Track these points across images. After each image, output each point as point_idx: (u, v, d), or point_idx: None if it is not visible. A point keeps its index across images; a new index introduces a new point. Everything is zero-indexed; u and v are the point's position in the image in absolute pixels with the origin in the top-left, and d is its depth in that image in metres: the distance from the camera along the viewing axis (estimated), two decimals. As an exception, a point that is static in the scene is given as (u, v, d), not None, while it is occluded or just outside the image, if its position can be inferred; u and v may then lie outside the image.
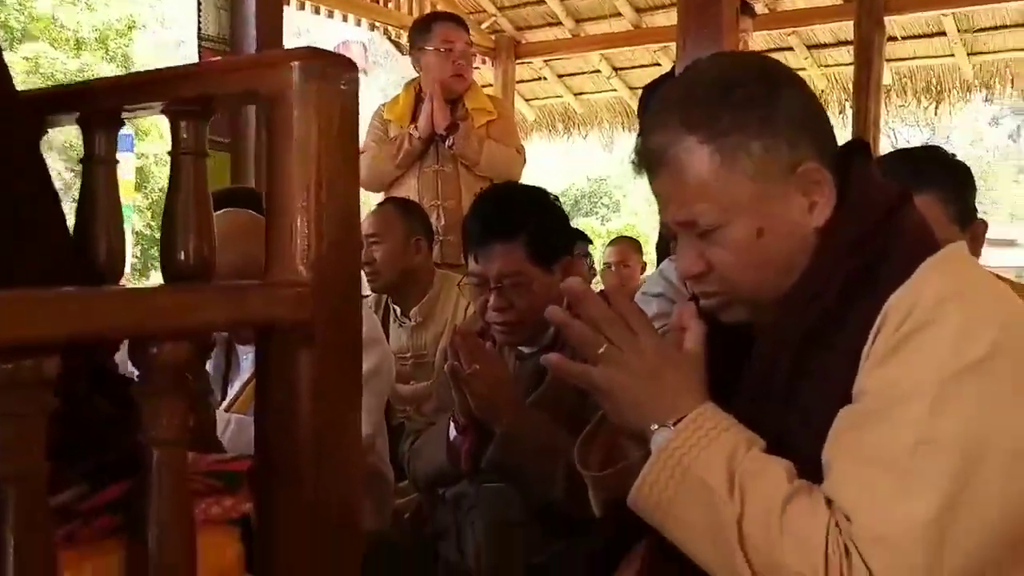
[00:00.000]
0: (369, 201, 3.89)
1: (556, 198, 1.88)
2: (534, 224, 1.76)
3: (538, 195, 1.87)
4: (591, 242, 4.16)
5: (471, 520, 1.81)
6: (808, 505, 0.91)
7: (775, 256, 1.03)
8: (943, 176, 1.60)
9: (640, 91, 3.65)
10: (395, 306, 2.92)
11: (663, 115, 1.06)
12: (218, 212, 1.15)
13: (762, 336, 1.06)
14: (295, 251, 0.83)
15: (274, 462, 0.85)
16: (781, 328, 1.03)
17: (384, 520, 2.14)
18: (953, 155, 1.69)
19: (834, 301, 1.00)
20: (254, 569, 0.85)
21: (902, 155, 1.71)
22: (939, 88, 4.69)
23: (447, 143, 3.38)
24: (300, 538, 0.83)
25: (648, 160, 1.08)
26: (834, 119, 5.09)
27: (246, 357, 1.95)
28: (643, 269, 4.43)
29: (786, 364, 1.02)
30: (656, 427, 1.00)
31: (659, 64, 5.28)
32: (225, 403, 1.89)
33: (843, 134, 4.38)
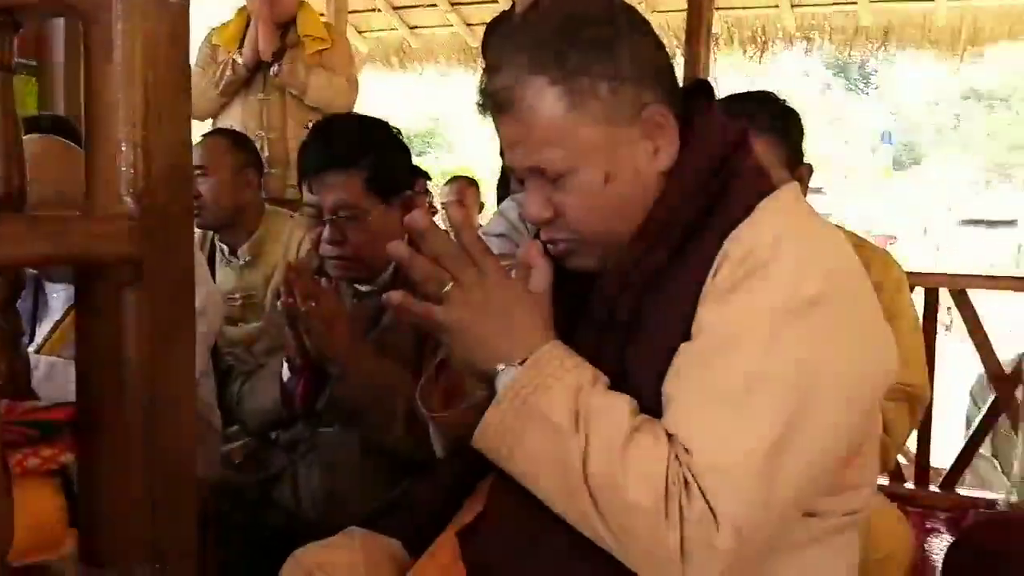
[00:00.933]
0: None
1: (398, 131, 1.83)
2: (373, 154, 1.71)
3: (379, 126, 1.81)
4: (430, 179, 4.11)
5: (307, 464, 1.77)
6: (650, 439, 0.93)
7: (622, 201, 1.04)
8: (775, 120, 1.67)
9: (478, 27, 3.61)
10: (222, 244, 2.79)
11: (508, 55, 1.04)
12: (26, 138, 1.04)
13: (606, 274, 1.07)
14: (120, 181, 0.76)
15: (99, 409, 0.78)
16: (625, 266, 1.04)
17: (211, 467, 2.07)
18: (784, 100, 1.76)
19: (677, 240, 1.02)
20: (79, 523, 0.80)
21: (737, 99, 1.76)
22: (764, 38, 4.89)
23: (272, 70, 3.23)
24: (128, 490, 0.77)
25: (493, 101, 1.05)
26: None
27: (56, 295, 1.81)
28: (481, 209, 4.43)
29: (629, 302, 1.03)
30: (502, 366, 1.00)
31: (497, 0, 5.23)
32: (34, 345, 1.75)
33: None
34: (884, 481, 2.91)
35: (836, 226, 1.83)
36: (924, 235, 25.30)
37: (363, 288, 1.82)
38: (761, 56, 4.89)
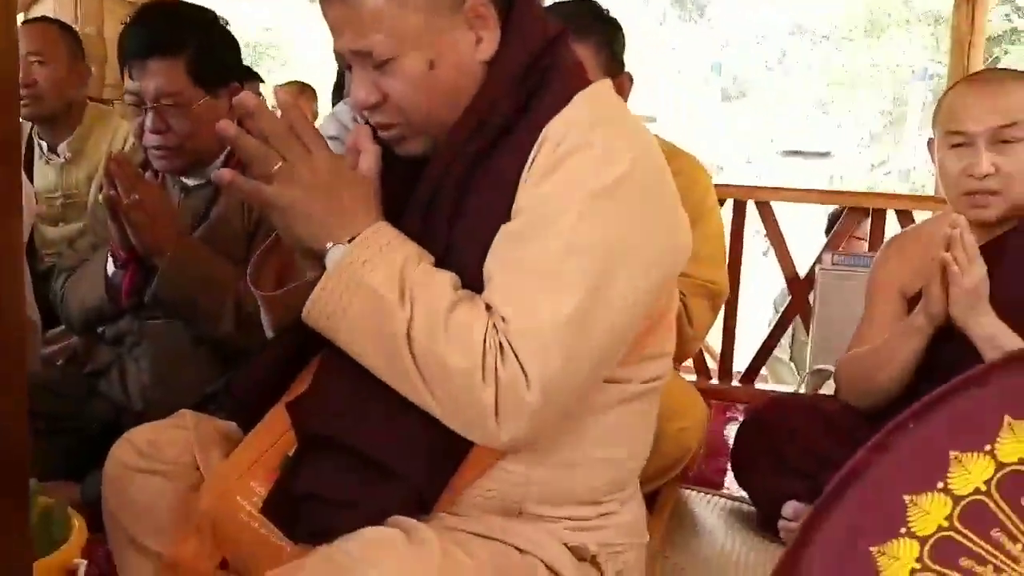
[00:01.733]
0: None
1: (226, 21, 1.79)
2: (197, 41, 1.67)
3: (203, 12, 1.77)
4: (263, 81, 3.99)
5: (135, 356, 1.76)
6: (470, 310, 1.00)
7: (446, 88, 1.09)
8: (595, 27, 1.74)
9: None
10: (41, 140, 2.64)
11: None
12: None
13: (432, 158, 1.12)
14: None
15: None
16: (450, 151, 1.10)
17: (32, 364, 2.01)
18: (606, 9, 1.83)
19: (498, 128, 1.08)
20: None
21: (557, 6, 1.83)
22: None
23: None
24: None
25: None
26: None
27: None
28: (315, 118, 4.35)
29: (453, 186, 1.09)
30: (331, 244, 1.04)
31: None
32: None
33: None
34: (692, 377, 3.15)
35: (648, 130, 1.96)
36: (748, 164, 26.60)
37: (190, 182, 1.80)
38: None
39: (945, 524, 0.48)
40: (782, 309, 3.26)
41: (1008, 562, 0.43)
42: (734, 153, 28.90)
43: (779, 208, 3.14)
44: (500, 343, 0.97)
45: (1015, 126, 1.59)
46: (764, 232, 3.17)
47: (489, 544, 1.06)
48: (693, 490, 2.13)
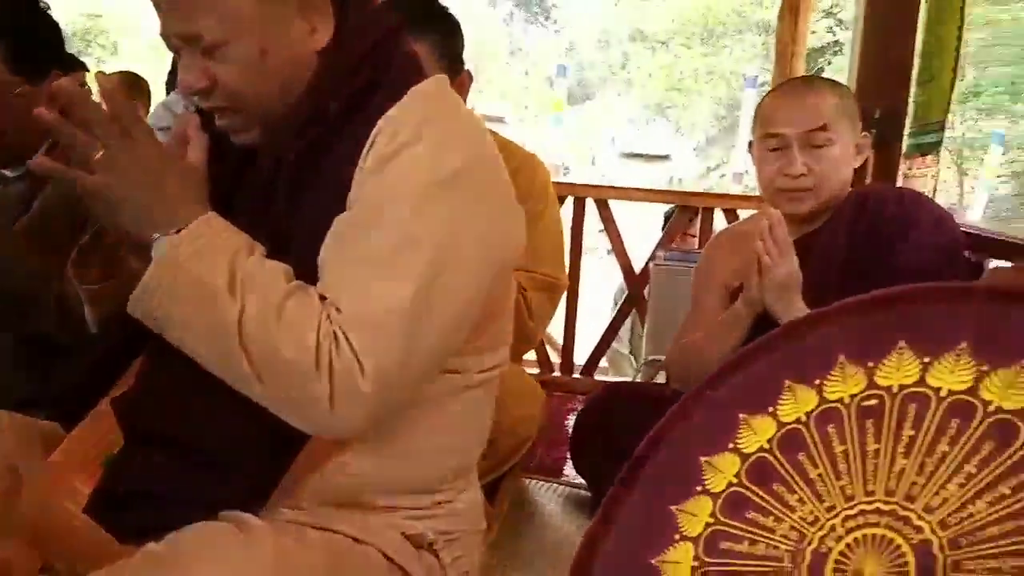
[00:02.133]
0: None
1: (47, 6, 1.70)
2: (15, 26, 1.59)
3: None
4: (88, 70, 3.76)
5: (-55, 358, 1.65)
6: (303, 300, 0.99)
7: (277, 76, 1.07)
8: (433, 24, 1.75)
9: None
10: None
11: None
12: None
13: (265, 149, 1.11)
14: None
15: None
16: (283, 141, 1.09)
17: None
18: (445, 7, 1.84)
19: (333, 119, 1.08)
20: None
21: (396, 1, 1.83)
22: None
23: None
24: None
25: None
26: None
27: None
28: (146, 111, 4.16)
29: (288, 175, 1.08)
30: (157, 235, 1.01)
31: None
32: None
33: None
34: (535, 370, 3.22)
35: (493, 131, 1.99)
36: (592, 165, 27.30)
37: (9, 173, 1.71)
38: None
39: (735, 480, 0.52)
40: (620, 303, 3.39)
41: (785, 511, 0.48)
42: (580, 154, 29.58)
43: (621, 207, 3.26)
44: (334, 333, 0.96)
45: (825, 129, 1.71)
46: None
47: (325, 535, 1.06)
48: (533, 479, 2.18)
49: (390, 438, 1.11)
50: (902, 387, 0.49)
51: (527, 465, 2.08)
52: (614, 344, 3.67)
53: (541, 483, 2.17)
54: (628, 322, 3.44)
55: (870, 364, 0.51)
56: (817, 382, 0.53)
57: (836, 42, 22.34)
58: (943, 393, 0.47)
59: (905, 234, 1.69)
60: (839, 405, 0.51)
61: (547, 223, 1.96)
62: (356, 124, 1.07)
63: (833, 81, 1.83)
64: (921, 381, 0.48)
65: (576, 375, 3.31)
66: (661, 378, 2.57)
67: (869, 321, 0.54)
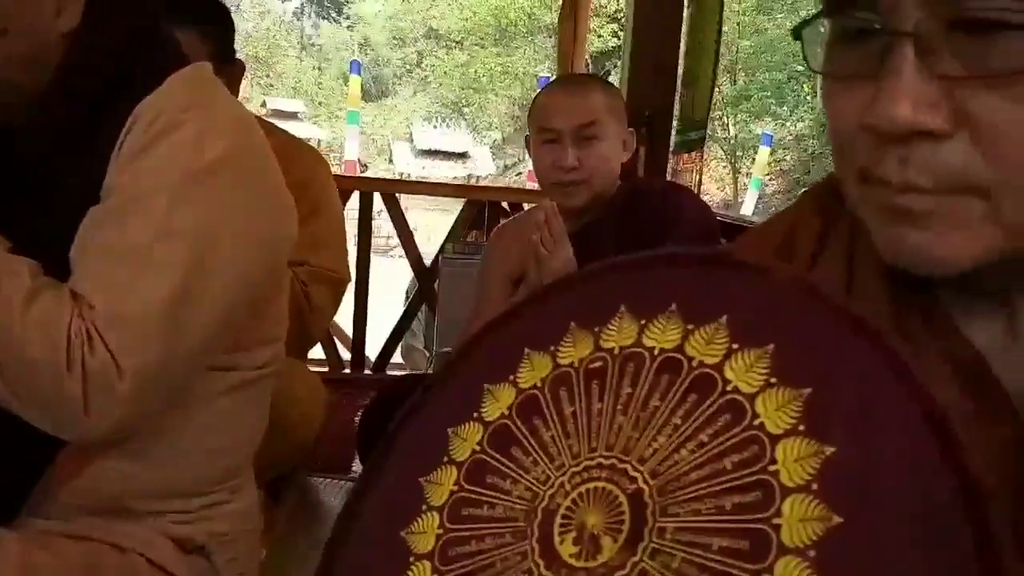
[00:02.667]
0: None
1: None
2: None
3: None
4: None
5: None
6: (53, 298, 0.93)
7: (19, 56, 1.00)
8: (200, 13, 1.69)
9: None
10: None
11: None
12: None
13: (15, 137, 1.03)
14: None
15: None
16: (34, 129, 1.02)
17: None
18: (211, -2, 1.78)
19: (88, 105, 1.02)
20: None
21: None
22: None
23: None
24: None
25: None
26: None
27: None
28: None
29: (40, 165, 1.01)
30: None
31: None
32: None
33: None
34: (324, 369, 3.17)
35: (273, 127, 1.95)
36: (390, 163, 27.18)
37: None
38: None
39: (477, 448, 0.54)
40: (411, 297, 3.40)
41: (521, 472, 0.50)
42: (377, 152, 29.40)
43: (421, 205, 3.27)
44: (87, 331, 0.92)
45: (595, 124, 1.80)
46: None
47: (82, 545, 1.01)
48: (320, 477, 2.16)
49: (155, 441, 1.06)
50: (622, 348, 0.51)
51: (313, 463, 2.05)
52: (409, 339, 3.68)
53: (327, 481, 2.15)
54: (422, 316, 3.47)
55: (596, 329, 0.53)
56: (552, 348, 0.55)
57: (621, 47, 23.43)
58: (656, 352, 0.50)
59: (669, 225, 1.80)
60: (570, 369, 0.53)
61: (327, 216, 1.94)
62: (114, 113, 1.02)
63: (601, 80, 1.93)
64: (638, 342, 0.51)
65: (367, 371, 3.29)
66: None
67: (596, 289, 0.57)
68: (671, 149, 2.71)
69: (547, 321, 0.58)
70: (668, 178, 2.71)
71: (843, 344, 0.46)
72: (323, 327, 1.96)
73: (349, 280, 1.99)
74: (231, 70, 1.76)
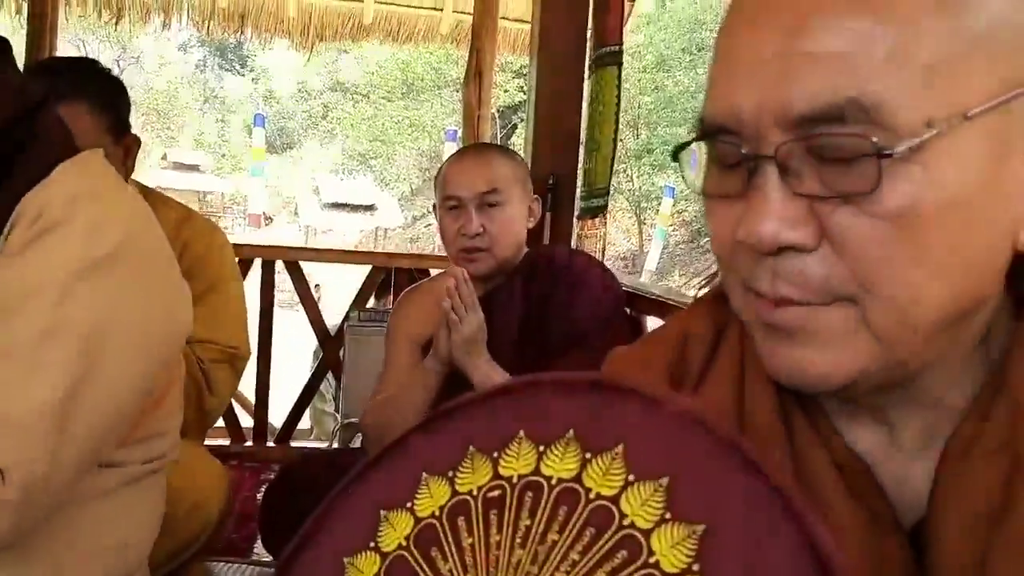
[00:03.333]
0: None
1: None
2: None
3: None
4: None
5: None
6: None
7: None
8: (94, 86, 1.64)
9: None
10: None
11: None
12: None
13: None
14: None
15: None
16: None
17: None
18: (108, 69, 1.74)
19: None
20: None
21: (52, 62, 1.71)
22: (119, 4, 4.69)
23: None
24: None
25: None
26: (9, 19, 4.71)
27: None
28: None
29: None
30: None
31: None
32: None
33: (19, 37, 4.10)
34: (226, 441, 3.08)
35: (168, 200, 1.91)
36: (295, 216, 26.88)
37: None
38: (116, 23, 4.70)
39: (373, 580, 0.53)
40: (316, 365, 3.34)
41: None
42: (283, 204, 29.06)
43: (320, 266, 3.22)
44: None
45: (497, 192, 1.82)
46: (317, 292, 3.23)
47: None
48: (220, 561, 2.08)
49: (44, 544, 1.01)
50: (521, 476, 0.50)
51: (214, 546, 1.97)
52: (318, 403, 3.61)
53: (228, 565, 2.07)
54: (332, 379, 3.40)
55: (495, 454, 0.52)
56: (450, 474, 0.54)
57: (526, 101, 23.86)
58: (554, 482, 0.49)
59: (574, 294, 1.82)
60: (468, 497, 0.52)
61: (226, 291, 1.89)
62: None
63: (504, 148, 1.96)
64: (537, 470, 0.50)
65: (271, 443, 3.20)
66: (360, 440, 2.56)
67: (493, 412, 0.55)
68: (576, 215, 2.75)
69: (445, 444, 0.56)
70: (573, 243, 2.74)
71: (733, 479, 0.47)
72: (223, 406, 1.90)
73: (250, 355, 1.94)
74: (126, 143, 1.72)
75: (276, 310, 3.12)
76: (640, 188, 22.17)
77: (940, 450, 0.59)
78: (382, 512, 0.56)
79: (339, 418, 3.57)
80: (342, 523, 0.58)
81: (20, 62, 1.10)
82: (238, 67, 33.73)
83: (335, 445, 2.74)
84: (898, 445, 0.61)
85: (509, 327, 1.83)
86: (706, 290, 0.76)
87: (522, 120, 25.00)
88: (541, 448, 0.53)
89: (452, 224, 1.85)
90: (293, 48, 5.15)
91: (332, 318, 3.29)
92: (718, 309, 0.70)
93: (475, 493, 0.54)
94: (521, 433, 0.54)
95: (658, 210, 18.36)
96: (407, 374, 1.87)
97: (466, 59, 4.43)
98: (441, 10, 4.87)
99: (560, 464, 0.51)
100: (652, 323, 2.08)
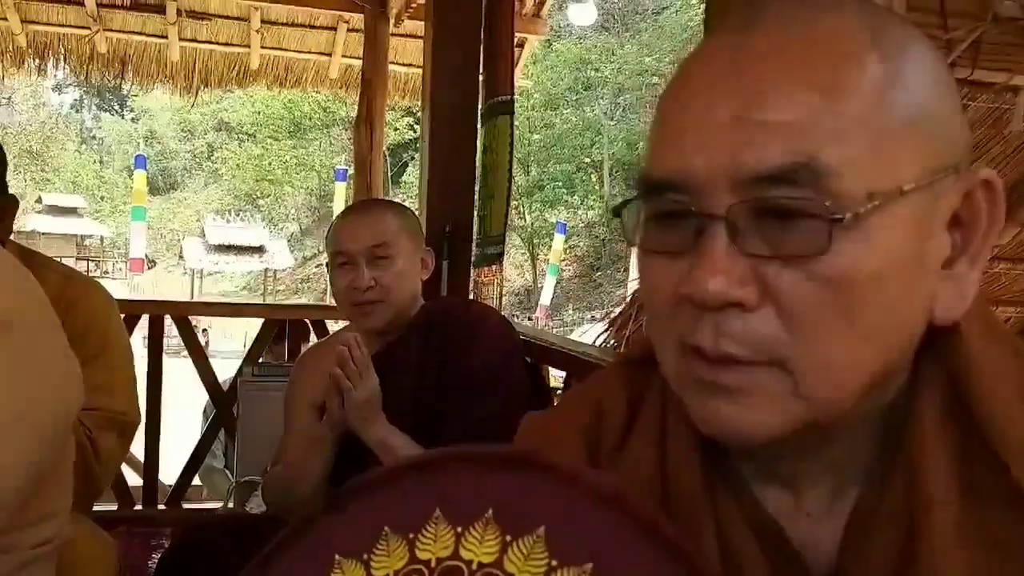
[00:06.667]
0: None
1: None
2: None
3: None
4: None
5: None
6: None
7: None
8: None
9: None
10: None
11: None
12: None
13: None
14: None
15: None
16: None
17: None
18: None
19: None
20: None
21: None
22: (-8, 50, 4.53)
23: None
24: None
25: None
26: None
27: None
28: None
29: None
30: None
31: None
32: None
33: None
34: (113, 506, 2.94)
35: (49, 262, 1.82)
36: (180, 259, 26.12)
37: None
38: (-7, 68, 4.53)
39: None
40: (207, 424, 3.23)
41: None
42: (167, 247, 28.21)
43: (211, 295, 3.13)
44: None
45: (387, 245, 1.81)
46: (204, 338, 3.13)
47: None
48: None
49: None
50: (439, 560, 0.49)
51: (103, 623, 1.87)
52: (208, 458, 3.48)
53: (120, 643, 1.96)
54: (221, 434, 3.29)
55: (411, 535, 0.51)
56: (365, 557, 0.52)
57: (418, 139, 23.97)
58: (474, 566, 0.48)
59: (471, 345, 1.83)
60: None
61: (114, 356, 1.81)
62: None
63: (393, 203, 1.97)
64: (455, 554, 0.49)
65: (162, 505, 3.07)
66: (256, 500, 2.48)
67: (406, 489, 0.54)
68: (472, 262, 2.76)
69: (358, 525, 0.55)
70: (470, 290, 2.75)
71: (655, 567, 0.48)
72: (112, 476, 1.82)
73: (139, 421, 1.86)
74: (4, 206, 1.64)
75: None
76: (532, 224, 22.48)
77: (844, 511, 0.61)
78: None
79: (233, 477, 3.47)
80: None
81: None
82: (117, 107, 32.74)
83: (230, 505, 2.65)
84: (804, 509, 0.63)
85: (407, 381, 1.81)
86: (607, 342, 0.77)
87: (412, 158, 25.06)
88: (459, 529, 0.52)
89: (342, 280, 1.83)
90: (176, 93, 5.04)
91: (219, 363, 3.18)
92: (634, 374, 0.71)
93: None
94: (437, 512, 0.53)
95: (550, 246, 18.65)
96: (305, 439, 1.83)
97: (355, 99, 4.43)
98: (330, 55, 4.86)
99: (479, 548, 0.51)
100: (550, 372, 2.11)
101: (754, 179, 0.52)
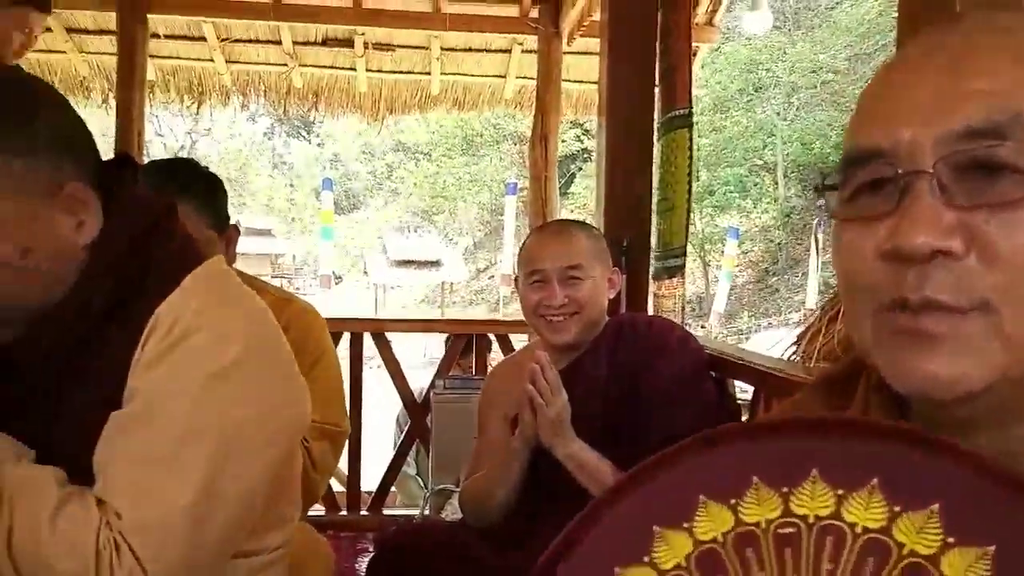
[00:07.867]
0: None
1: None
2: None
3: None
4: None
5: None
6: (79, 509, 0.94)
7: (42, 274, 1.02)
8: (195, 185, 1.75)
9: None
10: None
11: None
12: None
13: (25, 347, 1.04)
14: None
15: None
16: (46, 340, 1.04)
17: None
18: (206, 167, 1.84)
19: (102, 311, 1.04)
20: None
21: (159, 167, 1.82)
22: (200, 89, 4.94)
23: None
24: None
25: None
26: (97, 109, 4.96)
27: None
28: None
29: (56, 373, 1.03)
30: None
31: None
32: None
33: (107, 122, 4.33)
34: (321, 512, 3.14)
35: (265, 286, 2.00)
36: (364, 275, 27.31)
37: None
38: (199, 107, 4.94)
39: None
40: (406, 427, 3.39)
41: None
42: (352, 264, 29.53)
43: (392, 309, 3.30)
44: (115, 540, 0.93)
45: (578, 267, 1.87)
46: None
47: None
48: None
49: None
50: (818, 518, 0.50)
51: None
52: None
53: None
54: (415, 445, 3.45)
55: (784, 489, 0.52)
56: (732, 502, 0.53)
57: (585, 149, 24.03)
58: (859, 530, 0.49)
59: (657, 359, 1.85)
60: (756, 529, 0.51)
61: (326, 371, 1.96)
62: (130, 318, 1.04)
63: (585, 224, 2.02)
64: (836, 514, 0.50)
65: (364, 511, 3.25)
66: (451, 508, 2.60)
67: (781, 445, 0.55)
68: (651, 275, 2.77)
69: (724, 471, 0.56)
70: (650, 303, 2.76)
71: None
72: (326, 483, 1.96)
73: (349, 431, 2.01)
74: (228, 235, 1.81)
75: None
76: (703, 231, 22.04)
77: None
78: (656, 528, 0.55)
79: (428, 484, 3.62)
80: (610, 534, 0.57)
81: (109, 147, 1.15)
82: (304, 133, 34.66)
83: (426, 512, 2.78)
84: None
85: (592, 400, 1.86)
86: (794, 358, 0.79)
87: (580, 169, 25.16)
88: (839, 492, 0.52)
89: (534, 296, 1.90)
90: (364, 121, 5.32)
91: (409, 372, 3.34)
92: (831, 393, 0.73)
93: (764, 527, 0.52)
94: (815, 472, 0.53)
95: (722, 252, 18.20)
96: (499, 447, 1.92)
97: (526, 115, 4.52)
98: (504, 76, 5.00)
99: (865, 513, 0.51)
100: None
101: (961, 134, 0.57)
